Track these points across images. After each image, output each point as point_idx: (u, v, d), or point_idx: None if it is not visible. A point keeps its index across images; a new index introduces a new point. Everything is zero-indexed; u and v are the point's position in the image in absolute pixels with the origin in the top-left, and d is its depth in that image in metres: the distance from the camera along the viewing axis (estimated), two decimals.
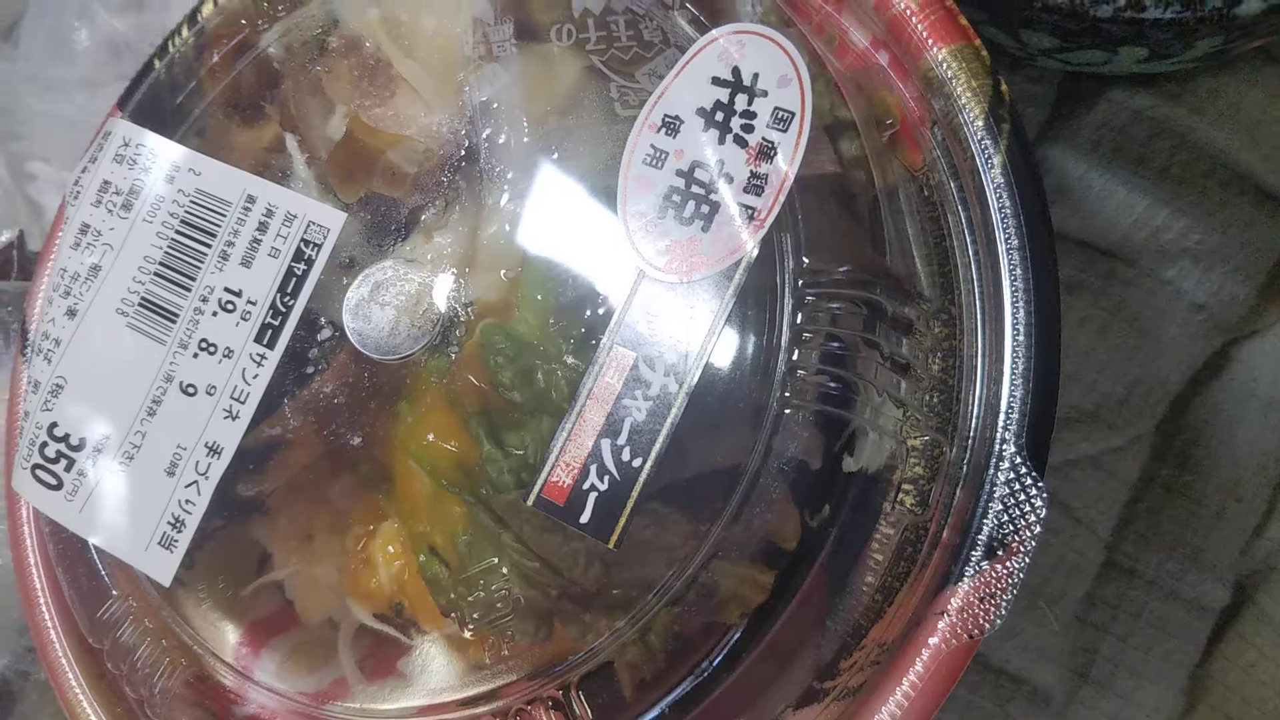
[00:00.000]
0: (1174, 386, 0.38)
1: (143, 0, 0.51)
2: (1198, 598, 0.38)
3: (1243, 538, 0.39)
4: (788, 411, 0.26)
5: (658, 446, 0.26)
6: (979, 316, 0.27)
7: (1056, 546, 0.38)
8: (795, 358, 0.26)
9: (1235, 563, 0.39)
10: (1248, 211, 0.38)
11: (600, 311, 0.27)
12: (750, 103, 0.27)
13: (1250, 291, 0.38)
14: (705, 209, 0.26)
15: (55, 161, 0.51)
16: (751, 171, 0.26)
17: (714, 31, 0.28)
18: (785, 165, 0.26)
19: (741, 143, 0.27)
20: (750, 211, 0.26)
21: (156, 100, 0.36)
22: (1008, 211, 0.27)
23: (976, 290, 0.27)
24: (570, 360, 0.27)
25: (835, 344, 0.26)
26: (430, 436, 0.28)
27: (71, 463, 0.31)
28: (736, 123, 0.27)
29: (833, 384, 0.26)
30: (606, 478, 0.26)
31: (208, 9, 0.37)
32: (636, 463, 0.26)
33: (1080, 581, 0.38)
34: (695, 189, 0.27)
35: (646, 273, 0.27)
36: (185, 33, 0.37)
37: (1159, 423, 0.39)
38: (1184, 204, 0.37)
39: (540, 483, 0.26)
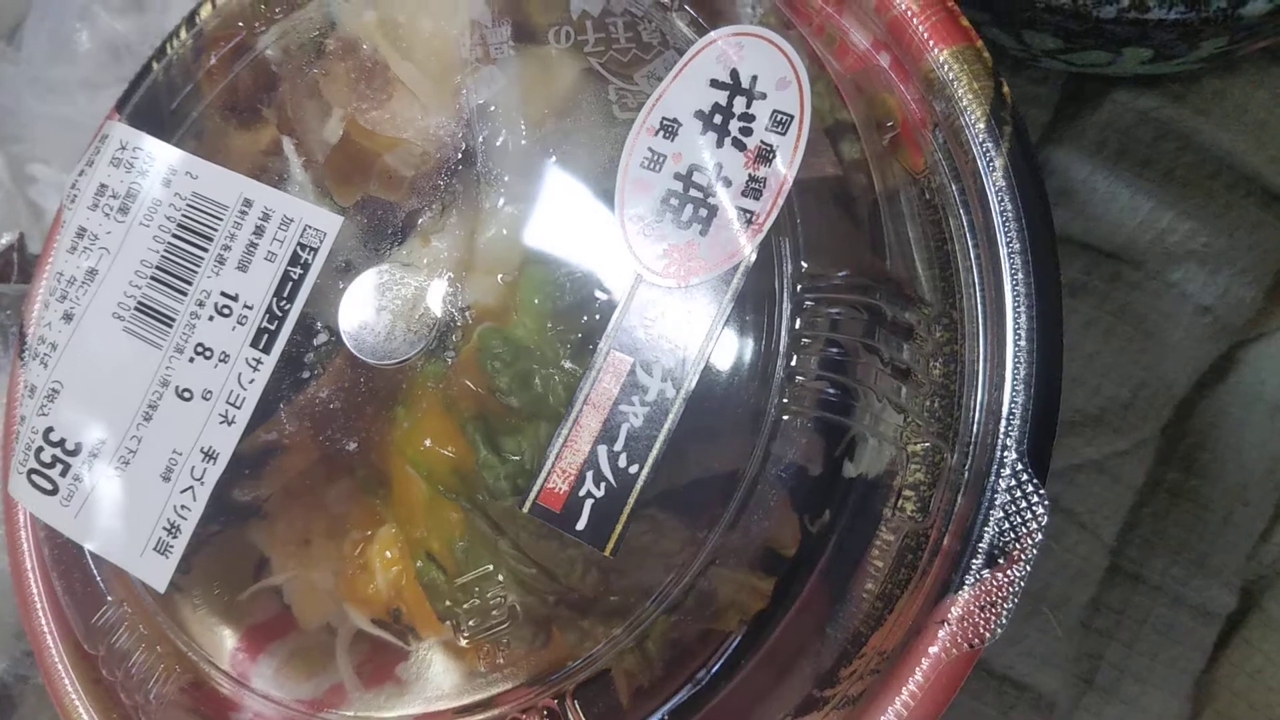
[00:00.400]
0: (1179, 390, 0.38)
1: (143, 2, 0.51)
2: (1204, 603, 0.38)
3: (1249, 542, 0.38)
4: (786, 417, 0.25)
5: (655, 453, 0.25)
6: (980, 321, 0.27)
7: (1060, 552, 0.37)
8: (794, 363, 0.26)
9: (1242, 568, 0.38)
10: (1254, 213, 0.37)
11: (598, 316, 0.27)
12: (749, 105, 0.27)
13: (1257, 294, 0.38)
14: (703, 212, 0.26)
15: (56, 163, 0.50)
16: (750, 175, 0.26)
17: (713, 33, 0.27)
18: (784, 168, 0.26)
19: (740, 146, 0.26)
20: (748, 215, 0.26)
21: (154, 103, 0.36)
22: (1009, 215, 0.26)
23: (978, 294, 0.27)
24: (568, 365, 0.27)
25: (835, 349, 0.26)
26: (427, 442, 0.28)
27: (67, 468, 0.31)
28: (735, 125, 0.27)
29: (832, 389, 0.26)
30: (603, 484, 0.25)
31: (205, 11, 0.36)
32: (633, 469, 0.25)
33: (1085, 587, 0.38)
34: (693, 192, 0.26)
35: (644, 277, 0.26)
36: (183, 35, 0.37)
37: (1164, 426, 0.38)
38: (1190, 206, 0.37)
39: (536, 490, 0.26)
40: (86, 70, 0.50)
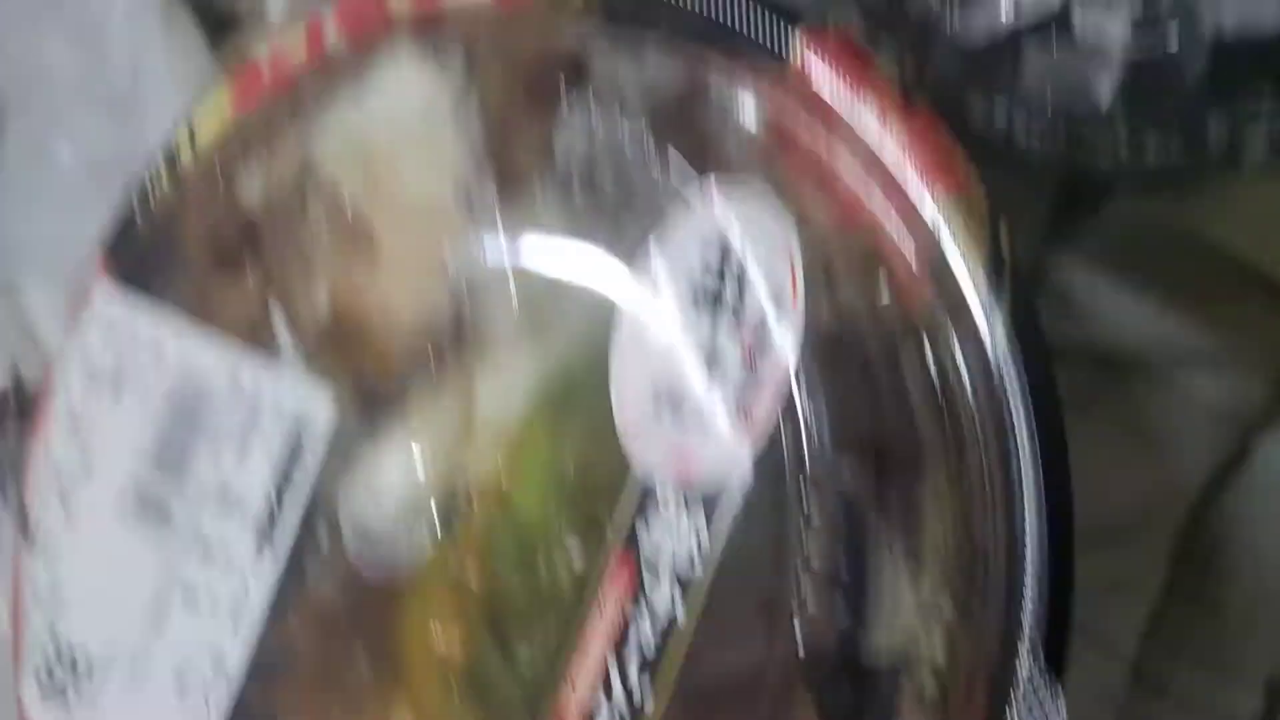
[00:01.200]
0: (1191, 494, 0.38)
1: (120, 114, 0.50)
2: (1232, 714, 0.37)
3: (1274, 643, 0.38)
4: (805, 610, 0.25)
5: (668, 661, 0.25)
6: (990, 493, 0.26)
7: (1078, 672, 0.37)
8: (807, 550, 0.25)
9: (1265, 668, 0.38)
10: (1260, 313, 0.37)
11: (601, 504, 0.26)
12: (741, 276, 0.26)
13: (1266, 393, 0.37)
14: (701, 405, 0.26)
15: (44, 284, 0.50)
16: (747, 351, 0.26)
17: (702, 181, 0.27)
18: (781, 341, 0.26)
19: (735, 323, 0.26)
20: (747, 407, 0.25)
21: (139, 256, 0.35)
22: (1013, 381, 0.26)
23: (984, 460, 0.26)
24: (573, 555, 0.27)
25: (847, 530, 0.25)
26: (437, 635, 0.28)
27: (75, 676, 0.30)
28: (728, 297, 0.26)
29: (847, 576, 0.25)
30: (614, 698, 0.25)
31: (185, 155, 0.36)
32: (644, 679, 0.25)
33: (1106, 706, 0.37)
34: (691, 381, 0.26)
35: (647, 471, 0.26)
36: (163, 174, 0.36)
37: (1177, 532, 0.38)
38: (1194, 306, 0.36)
39: (548, 707, 0.26)
40: (67, 187, 0.49)
